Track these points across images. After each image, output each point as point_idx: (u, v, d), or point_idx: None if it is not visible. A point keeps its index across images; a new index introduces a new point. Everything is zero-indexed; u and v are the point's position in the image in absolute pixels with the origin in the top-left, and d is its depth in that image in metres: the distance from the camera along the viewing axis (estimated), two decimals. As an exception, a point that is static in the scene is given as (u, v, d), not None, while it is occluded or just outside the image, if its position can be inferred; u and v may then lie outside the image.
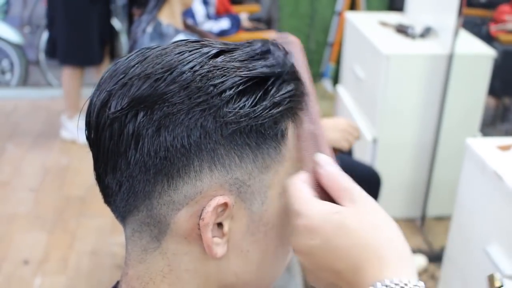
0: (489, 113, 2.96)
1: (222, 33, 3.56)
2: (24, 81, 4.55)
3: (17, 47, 4.42)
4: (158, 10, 1.88)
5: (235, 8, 3.86)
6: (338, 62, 4.19)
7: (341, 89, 3.34)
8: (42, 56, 4.53)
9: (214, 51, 0.59)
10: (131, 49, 1.95)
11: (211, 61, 0.58)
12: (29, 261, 2.58)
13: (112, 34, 3.69)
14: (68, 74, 3.52)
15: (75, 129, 3.49)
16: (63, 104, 3.64)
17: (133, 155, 0.57)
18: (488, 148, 1.78)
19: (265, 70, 0.58)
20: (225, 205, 0.58)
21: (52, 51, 3.60)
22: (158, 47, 0.62)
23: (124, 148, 0.57)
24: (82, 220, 2.86)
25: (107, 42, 3.63)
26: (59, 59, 3.56)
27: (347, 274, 0.55)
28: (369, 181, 2.15)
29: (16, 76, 4.50)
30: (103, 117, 0.58)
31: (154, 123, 0.56)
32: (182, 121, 0.56)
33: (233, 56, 0.59)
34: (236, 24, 3.63)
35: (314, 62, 4.38)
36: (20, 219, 2.87)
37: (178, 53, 0.59)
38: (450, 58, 2.51)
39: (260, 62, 0.59)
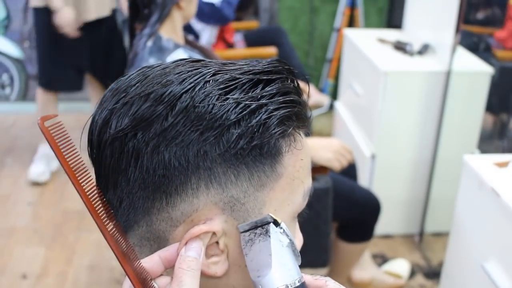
0: (486, 129, 2.98)
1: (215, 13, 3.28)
2: (24, 96, 4.57)
3: (17, 61, 4.45)
4: (160, 24, 1.90)
5: (233, 25, 3.86)
6: (336, 78, 4.21)
7: (339, 105, 3.35)
8: (42, 71, 4.54)
9: (213, 73, 0.60)
10: (131, 62, 1.96)
11: (210, 83, 0.59)
12: (28, 275, 2.57)
13: (104, 68, 3.35)
14: (38, 94, 3.38)
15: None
16: (64, 119, 3.64)
17: (133, 173, 0.58)
18: (485, 164, 1.79)
19: (264, 94, 0.59)
20: (210, 229, 0.59)
21: None
22: (158, 66, 0.63)
23: (125, 165, 0.59)
24: (81, 234, 2.86)
25: (85, 72, 3.37)
26: None
27: None
28: (368, 207, 2.15)
29: (16, 91, 4.52)
30: (105, 135, 0.60)
31: (153, 142, 0.57)
32: (180, 141, 0.57)
33: (232, 79, 0.60)
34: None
35: (313, 78, 4.41)
36: (18, 233, 2.87)
37: (178, 73, 0.60)
38: (448, 75, 2.53)
39: (260, 87, 0.60)
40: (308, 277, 0.62)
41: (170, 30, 1.93)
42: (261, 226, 0.59)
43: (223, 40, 3.50)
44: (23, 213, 3.02)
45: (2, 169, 3.47)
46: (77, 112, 4.17)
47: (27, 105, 4.45)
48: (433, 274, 2.58)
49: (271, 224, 0.59)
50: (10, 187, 3.26)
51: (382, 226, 2.64)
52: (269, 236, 0.58)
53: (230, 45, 3.53)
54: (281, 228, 0.59)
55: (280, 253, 0.59)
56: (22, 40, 5.33)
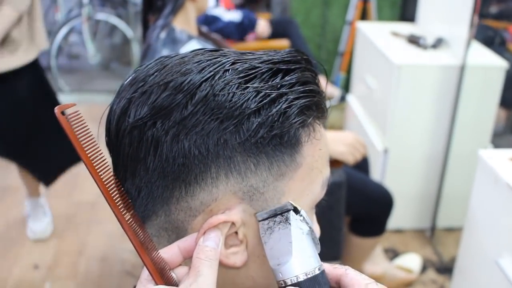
0: (500, 124, 2.96)
1: (227, 29, 3.36)
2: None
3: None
4: (174, 16, 1.89)
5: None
6: (348, 72, 4.20)
7: (351, 98, 3.34)
8: (53, 62, 4.56)
9: (232, 62, 0.60)
10: (144, 53, 1.95)
11: (229, 72, 0.59)
12: (39, 266, 2.58)
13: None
14: None
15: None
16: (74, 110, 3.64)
17: (152, 161, 0.58)
18: (500, 160, 1.77)
19: (284, 83, 0.59)
20: (229, 219, 0.59)
21: None
22: (176, 55, 0.63)
23: (143, 154, 0.58)
24: (92, 226, 2.87)
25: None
26: None
27: None
28: (381, 202, 2.14)
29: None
30: (123, 124, 0.59)
31: (173, 130, 0.57)
32: (200, 129, 0.56)
33: (252, 68, 0.59)
34: (248, 22, 3.39)
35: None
36: (30, 224, 2.88)
37: (197, 62, 0.60)
38: (462, 69, 2.51)
39: (279, 76, 0.59)
40: (327, 265, 0.61)
41: (184, 22, 1.92)
42: (281, 213, 0.58)
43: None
44: (35, 204, 3.03)
45: (14, 160, 3.48)
46: (89, 102, 4.19)
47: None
48: (445, 269, 2.57)
49: (291, 211, 0.58)
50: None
51: (394, 220, 2.63)
52: (290, 223, 0.58)
53: (241, 39, 3.53)
54: (301, 215, 0.59)
55: (300, 241, 0.58)
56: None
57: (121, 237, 2.74)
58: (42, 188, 2.88)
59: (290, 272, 0.58)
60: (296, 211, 0.58)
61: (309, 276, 0.58)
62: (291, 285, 0.58)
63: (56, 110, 0.54)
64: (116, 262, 2.62)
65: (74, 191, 3.15)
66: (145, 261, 0.57)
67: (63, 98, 4.42)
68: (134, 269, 2.56)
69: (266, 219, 0.59)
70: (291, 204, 0.58)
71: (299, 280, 0.58)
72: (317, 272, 0.58)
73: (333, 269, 0.61)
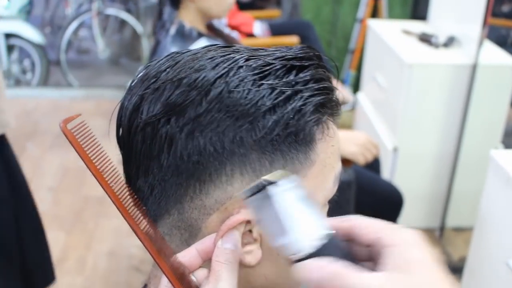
0: (511, 124, 2.94)
1: None
2: (45, 81, 4.59)
3: (38, 47, 4.46)
4: (177, 11, 1.88)
5: (255, 14, 3.84)
6: (358, 69, 4.18)
7: (361, 96, 3.32)
8: (63, 57, 4.57)
9: (245, 58, 0.59)
10: (153, 50, 1.95)
11: (243, 69, 0.58)
12: (47, 260, 2.59)
13: None
14: None
15: None
16: (84, 105, 3.66)
17: (166, 159, 0.57)
18: (512, 160, 1.76)
19: (298, 80, 0.58)
20: (246, 218, 0.58)
21: None
22: (188, 51, 0.62)
23: (157, 151, 0.57)
24: (100, 220, 2.87)
25: None
26: None
27: None
28: (391, 201, 2.13)
29: (37, 76, 4.54)
30: (135, 121, 0.59)
31: (187, 127, 0.56)
32: (215, 127, 0.56)
33: (266, 64, 0.59)
34: None
35: (335, 69, 4.38)
36: (38, 218, 2.89)
37: (210, 58, 0.59)
38: (474, 68, 2.49)
39: (293, 73, 0.59)
40: (335, 221, 0.57)
41: (190, 19, 1.90)
42: (260, 191, 0.54)
43: (241, 33, 3.48)
44: (43, 198, 3.04)
45: (22, 153, 3.48)
46: (98, 97, 4.19)
47: (48, 90, 4.48)
48: (454, 269, 2.55)
49: (268, 187, 0.54)
50: (30, 172, 3.27)
51: (403, 219, 2.61)
52: (272, 199, 0.54)
53: (250, 36, 3.51)
54: (282, 186, 0.55)
55: (291, 212, 0.54)
56: (43, 26, 5.36)
57: (128, 233, 2.73)
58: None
59: (294, 245, 0.53)
60: (274, 184, 0.55)
61: (313, 242, 0.53)
62: (297, 260, 0.54)
63: (61, 124, 0.53)
64: (123, 257, 2.62)
65: (82, 186, 3.15)
66: (163, 269, 0.56)
67: (72, 92, 4.42)
68: (141, 264, 2.56)
69: (250, 196, 0.56)
70: (266, 179, 0.54)
71: (304, 252, 0.53)
72: (322, 236, 0.54)
73: (341, 223, 0.57)
